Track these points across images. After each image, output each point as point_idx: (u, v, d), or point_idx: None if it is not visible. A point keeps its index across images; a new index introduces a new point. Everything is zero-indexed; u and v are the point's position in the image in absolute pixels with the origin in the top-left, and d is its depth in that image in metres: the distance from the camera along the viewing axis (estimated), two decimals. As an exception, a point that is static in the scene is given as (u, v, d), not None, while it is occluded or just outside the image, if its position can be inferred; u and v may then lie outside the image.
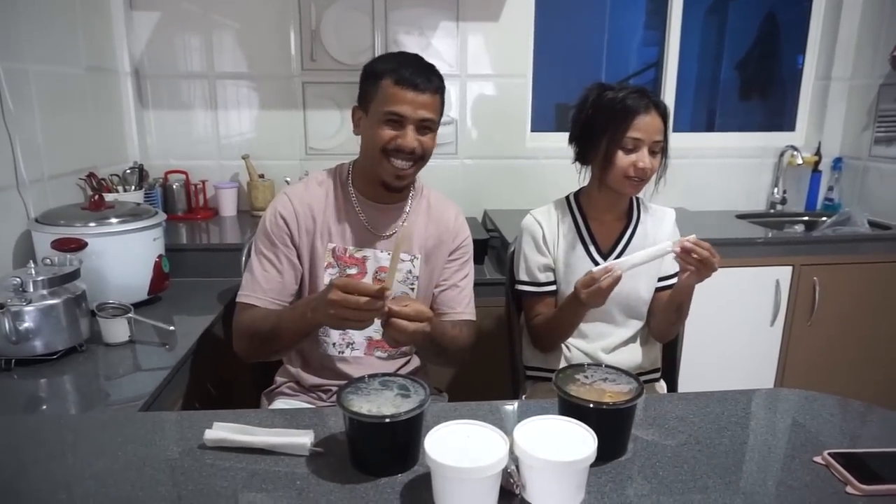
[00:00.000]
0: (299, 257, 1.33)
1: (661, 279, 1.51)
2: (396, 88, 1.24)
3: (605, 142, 1.40)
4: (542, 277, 1.50)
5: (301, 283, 1.35)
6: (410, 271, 1.37)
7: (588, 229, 1.50)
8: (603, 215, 1.51)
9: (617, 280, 1.27)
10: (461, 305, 1.41)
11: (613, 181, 1.42)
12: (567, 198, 1.55)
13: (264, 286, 1.30)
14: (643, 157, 1.38)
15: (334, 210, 1.34)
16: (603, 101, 1.41)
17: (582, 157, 1.49)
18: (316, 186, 1.35)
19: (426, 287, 1.39)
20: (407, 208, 1.38)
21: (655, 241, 1.49)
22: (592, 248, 1.49)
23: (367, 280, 1.34)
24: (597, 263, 1.47)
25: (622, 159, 1.39)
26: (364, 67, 1.31)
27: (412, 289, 1.37)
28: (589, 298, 1.29)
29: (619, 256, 1.48)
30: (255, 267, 1.32)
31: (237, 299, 1.32)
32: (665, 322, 1.48)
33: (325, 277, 1.33)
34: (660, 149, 1.41)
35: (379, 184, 1.32)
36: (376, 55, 2.40)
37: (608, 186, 1.44)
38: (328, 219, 1.33)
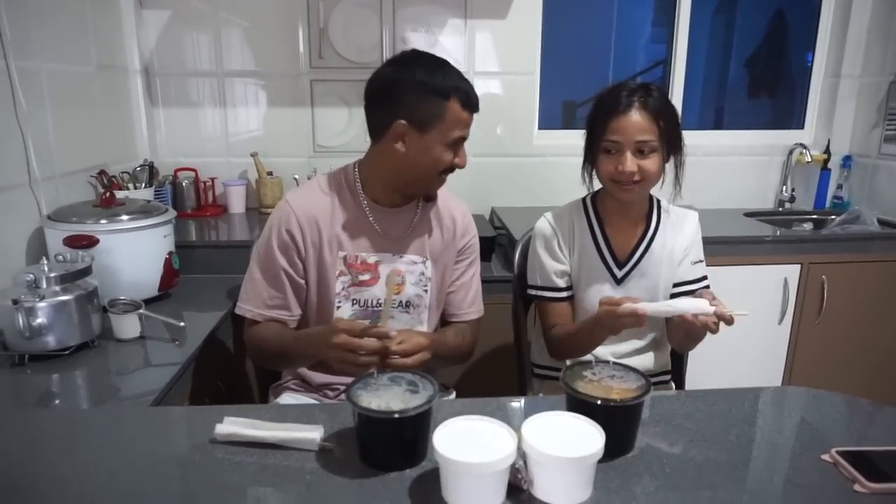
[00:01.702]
0: (306, 269, 1.33)
1: (675, 285, 1.44)
2: (466, 113, 1.24)
3: (591, 145, 1.36)
4: (561, 282, 1.45)
5: (308, 293, 1.35)
6: (423, 273, 1.37)
7: (604, 235, 1.44)
8: (618, 220, 1.44)
9: (640, 321, 1.19)
10: (468, 305, 1.44)
11: (605, 186, 1.37)
12: (584, 200, 1.49)
13: (268, 302, 1.32)
14: (624, 161, 1.30)
15: (343, 217, 1.32)
16: (599, 102, 1.36)
17: (586, 161, 1.43)
18: (320, 194, 1.33)
19: (439, 287, 1.40)
20: (418, 210, 1.37)
21: (674, 248, 1.43)
22: (608, 256, 1.43)
23: (381, 285, 1.34)
24: (612, 273, 1.43)
25: (605, 164, 1.33)
26: (408, 78, 1.22)
27: (425, 290, 1.38)
28: (610, 330, 1.27)
29: (635, 266, 1.42)
30: (257, 279, 1.33)
31: (239, 311, 1.34)
32: (678, 343, 1.43)
33: (338, 286, 1.33)
34: (651, 149, 1.31)
35: (409, 195, 1.34)
36: (384, 53, 2.45)
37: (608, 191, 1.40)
38: (336, 227, 1.32)
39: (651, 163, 1.32)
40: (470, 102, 1.24)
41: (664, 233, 1.44)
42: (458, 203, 1.44)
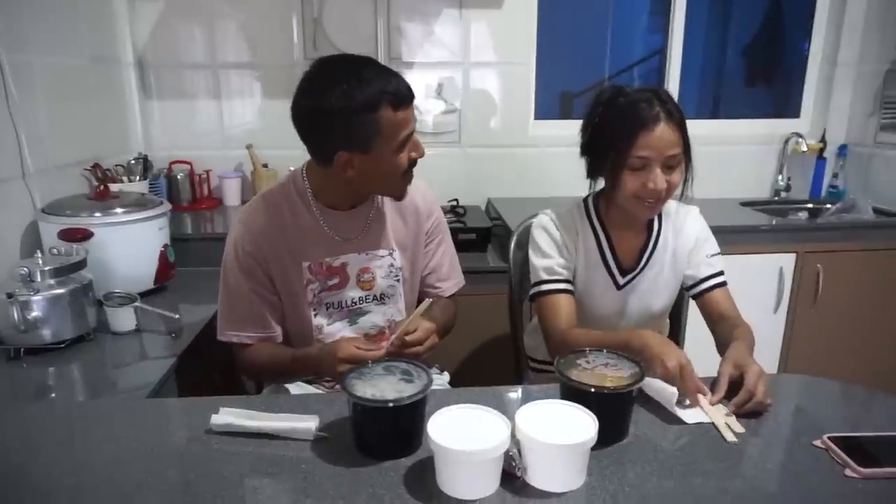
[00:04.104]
0: (274, 283, 1.28)
1: (693, 284, 1.37)
2: (399, 112, 1.13)
3: (610, 159, 1.23)
4: (567, 274, 1.36)
5: (283, 306, 1.31)
6: (392, 265, 1.34)
7: (609, 244, 1.36)
8: (624, 231, 1.36)
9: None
10: (446, 282, 1.45)
11: (625, 203, 1.27)
12: (585, 202, 1.41)
13: (251, 322, 1.28)
14: (655, 178, 1.19)
15: (298, 227, 1.27)
16: (610, 111, 1.24)
17: (592, 172, 1.32)
18: (271, 207, 1.28)
19: (411, 275, 1.39)
20: (373, 208, 1.33)
21: (676, 250, 1.37)
22: (613, 265, 1.36)
23: (352, 284, 1.31)
24: (617, 283, 1.37)
25: (630, 180, 1.21)
26: (328, 106, 1.11)
27: (398, 280, 1.36)
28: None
29: (640, 273, 1.37)
30: (231, 305, 1.28)
31: (223, 337, 1.29)
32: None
33: (308, 294, 1.29)
34: (678, 162, 1.22)
35: (370, 198, 1.31)
36: (379, 43, 2.43)
37: (621, 206, 1.30)
38: (293, 238, 1.27)
39: (677, 177, 1.24)
40: (400, 100, 1.13)
41: (666, 236, 1.38)
42: (417, 186, 1.35)
